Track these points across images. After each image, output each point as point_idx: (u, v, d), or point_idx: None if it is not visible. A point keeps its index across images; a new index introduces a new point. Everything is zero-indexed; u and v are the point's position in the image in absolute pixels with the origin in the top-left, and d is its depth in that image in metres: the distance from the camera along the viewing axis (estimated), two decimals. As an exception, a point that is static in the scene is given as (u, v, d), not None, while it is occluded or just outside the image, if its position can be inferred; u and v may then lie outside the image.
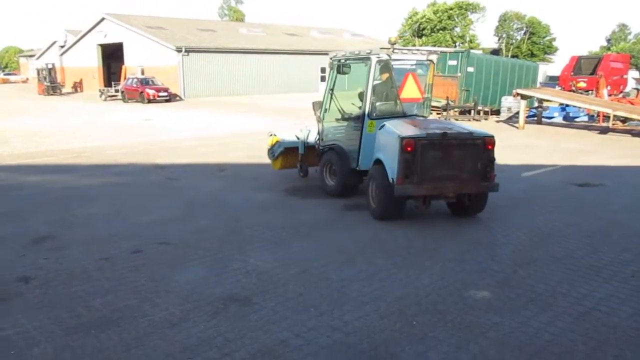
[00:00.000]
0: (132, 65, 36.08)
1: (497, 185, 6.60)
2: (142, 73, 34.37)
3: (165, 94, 30.49)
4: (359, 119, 7.51)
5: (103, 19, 38.74)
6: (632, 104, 18.72)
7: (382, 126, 6.91)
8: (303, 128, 8.82)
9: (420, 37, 60.15)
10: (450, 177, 6.40)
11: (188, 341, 3.81)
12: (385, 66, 7.48)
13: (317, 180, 8.67)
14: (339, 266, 5.27)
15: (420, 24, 59.99)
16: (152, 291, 4.66)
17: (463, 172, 6.45)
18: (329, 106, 8.14)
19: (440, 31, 58.99)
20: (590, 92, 22.63)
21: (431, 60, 7.85)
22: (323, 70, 39.67)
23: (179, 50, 33.22)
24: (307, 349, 3.73)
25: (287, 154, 8.83)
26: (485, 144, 6.45)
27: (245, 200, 7.96)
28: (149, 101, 29.46)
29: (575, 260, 5.48)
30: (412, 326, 4.06)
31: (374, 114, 7.42)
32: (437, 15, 59.14)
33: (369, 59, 7.36)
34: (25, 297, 4.55)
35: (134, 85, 31.02)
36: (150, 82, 31.15)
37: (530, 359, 3.61)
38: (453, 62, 20.82)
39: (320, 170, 8.30)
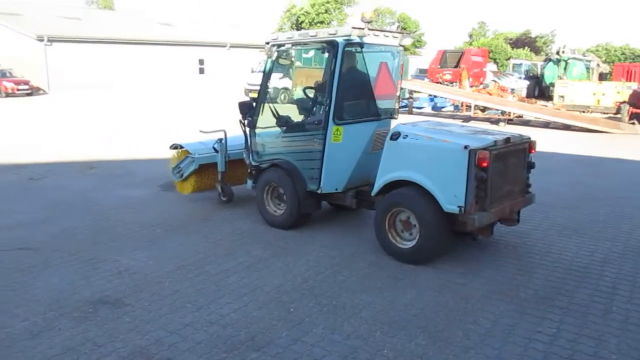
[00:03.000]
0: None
1: (535, 196, 5.71)
2: (-2, 64, 31.15)
3: (27, 87, 27.99)
4: (319, 124, 5.76)
5: (-54, 3, 34.45)
6: (490, 94, 20.53)
7: (398, 135, 5.17)
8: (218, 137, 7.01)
9: (299, 30, 60.90)
10: (508, 193, 5.26)
11: (51, 351, 3.56)
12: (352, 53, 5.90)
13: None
14: (216, 259, 5.22)
15: (298, 17, 60.67)
16: (10, 301, 4.28)
17: (516, 185, 5.38)
18: (264, 108, 6.31)
19: (318, 24, 60.14)
20: (454, 83, 24.40)
21: (403, 46, 6.28)
22: (201, 62, 38.73)
23: (40, 39, 30.53)
24: (182, 345, 3.66)
25: (200, 172, 7.06)
26: (530, 148, 5.48)
27: (118, 197, 7.56)
28: (7, 95, 26.85)
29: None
30: (289, 313, 4.15)
31: (342, 118, 5.75)
32: (315, 8, 60.18)
33: (333, 43, 5.60)
34: None
35: (-12, 78, 28.02)
36: (8, 74, 28.34)
37: (398, 333, 3.86)
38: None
39: (259, 194, 6.41)
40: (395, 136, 5.19)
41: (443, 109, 22.00)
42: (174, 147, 7.33)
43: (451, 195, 4.76)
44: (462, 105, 20.19)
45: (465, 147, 4.70)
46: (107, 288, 4.54)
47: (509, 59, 44.13)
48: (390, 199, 5.22)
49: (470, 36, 64.86)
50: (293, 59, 7.16)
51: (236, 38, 40.35)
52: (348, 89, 5.80)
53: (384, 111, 6.26)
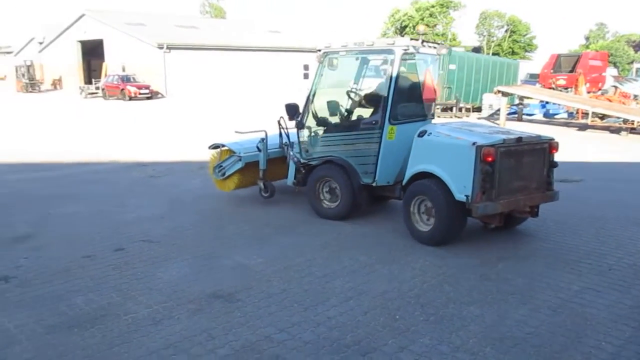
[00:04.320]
0: (113, 62, 35.67)
1: (558, 194, 6.06)
2: (123, 70, 34.05)
3: (147, 91, 30.32)
4: (375, 124, 6.39)
5: (83, 15, 38.22)
6: (610, 101, 19.04)
7: (424, 132, 5.88)
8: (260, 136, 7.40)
9: (402, 35, 60.48)
10: (521, 188, 5.70)
11: (171, 338, 3.80)
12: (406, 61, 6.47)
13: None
14: (322, 262, 5.30)
15: (402, 22, 60.21)
16: (135, 289, 4.64)
17: (532, 182, 5.80)
18: (312, 109, 6.91)
19: (423, 29, 59.30)
20: (569, 89, 22.95)
21: (439, 55, 6.92)
22: (306, 67, 39.66)
23: (160, 47, 32.94)
24: (290, 343, 3.75)
25: (242, 170, 7.37)
26: (550, 148, 5.88)
27: (227, 196, 7.93)
28: (130, 98, 29.24)
29: (554, 254, 5.58)
30: (395, 320, 4.10)
31: (396, 118, 6.34)
32: (419, 12, 59.41)
33: (390, 51, 6.29)
34: (5, 296, 4.50)
35: (115, 83, 30.76)
36: (132, 79, 30.89)
37: (510, 351, 3.68)
38: (435, 60, 21.00)
39: (312, 189, 6.88)
40: (422, 134, 5.89)
41: (556, 116, 20.75)
42: (214, 147, 7.68)
43: (461, 185, 5.40)
44: (577, 113, 18.92)
45: (474, 143, 5.32)
46: (220, 283, 4.77)
47: (631, 62, 40.75)
48: (414, 188, 5.92)
49: (587, 38, 60.78)
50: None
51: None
52: (401, 93, 6.43)
53: (429, 112, 6.91)
